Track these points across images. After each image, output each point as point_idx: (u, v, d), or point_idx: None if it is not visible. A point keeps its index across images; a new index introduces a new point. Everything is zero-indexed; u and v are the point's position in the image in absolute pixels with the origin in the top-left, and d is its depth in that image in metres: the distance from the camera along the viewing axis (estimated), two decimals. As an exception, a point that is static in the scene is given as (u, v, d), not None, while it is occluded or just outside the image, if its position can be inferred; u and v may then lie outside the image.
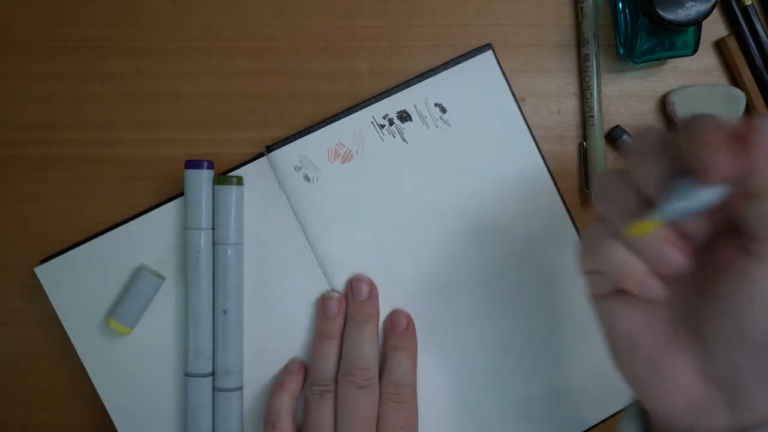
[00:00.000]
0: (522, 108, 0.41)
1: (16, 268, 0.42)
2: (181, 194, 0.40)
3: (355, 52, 0.42)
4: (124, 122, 0.42)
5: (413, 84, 0.40)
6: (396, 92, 0.40)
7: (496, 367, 0.41)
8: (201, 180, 0.39)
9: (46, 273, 0.40)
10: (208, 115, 0.42)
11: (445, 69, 0.40)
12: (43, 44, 0.42)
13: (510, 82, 0.41)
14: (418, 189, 0.41)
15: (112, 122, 0.42)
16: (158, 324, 0.40)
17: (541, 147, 0.41)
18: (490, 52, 0.41)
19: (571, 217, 0.41)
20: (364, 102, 0.40)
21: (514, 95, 0.41)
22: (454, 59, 0.41)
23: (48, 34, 0.42)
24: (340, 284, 0.40)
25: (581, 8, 0.41)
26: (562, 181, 0.41)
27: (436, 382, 0.41)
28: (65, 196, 0.42)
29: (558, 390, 0.41)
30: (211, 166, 0.40)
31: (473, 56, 0.41)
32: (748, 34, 0.41)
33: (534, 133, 0.41)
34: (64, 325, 0.40)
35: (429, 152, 0.40)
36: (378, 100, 0.40)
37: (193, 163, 0.39)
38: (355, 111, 0.40)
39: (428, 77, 0.40)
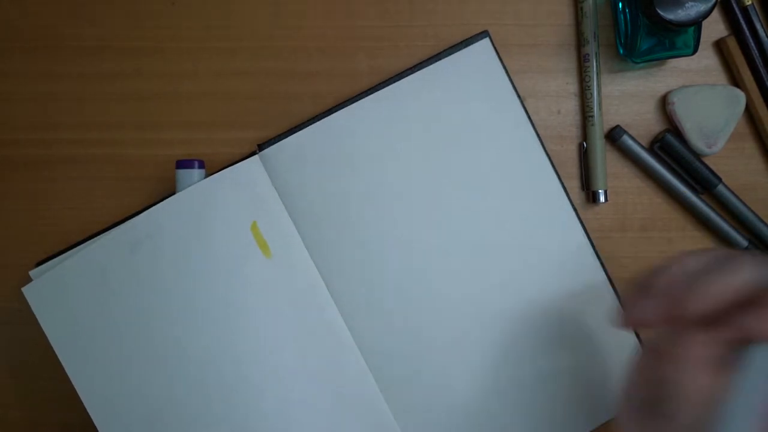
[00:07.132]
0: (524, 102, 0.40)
1: (15, 268, 0.42)
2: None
3: (355, 52, 0.42)
4: (124, 122, 0.42)
5: (404, 77, 0.40)
6: (386, 86, 0.40)
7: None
8: (192, 180, 0.39)
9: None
10: (208, 115, 0.42)
11: (437, 60, 0.40)
12: (43, 44, 0.42)
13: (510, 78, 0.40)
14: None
15: (112, 122, 0.42)
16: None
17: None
18: (486, 41, 0.40)
19: (581, 221, 0.41)
20: (352, 98, 0.40)
21: (514, 86, 0.40)
22: (446, 50, 0.40)
23: (48, 34, 0.42)
24: (334, 279, 0.40)
25: (581, 8, 0.41)
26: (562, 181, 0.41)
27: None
28: (65, 196, 0.42)
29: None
30: (202, 166, 0.40)
31: (467, 45, 0.40)
32: (748, 34, 0.41)
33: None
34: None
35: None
36: (367, 95, 0.40)
37: (184, 163, 0.39)
38: (344, 107, 0.40)
39: (419, 70, 0.40)
